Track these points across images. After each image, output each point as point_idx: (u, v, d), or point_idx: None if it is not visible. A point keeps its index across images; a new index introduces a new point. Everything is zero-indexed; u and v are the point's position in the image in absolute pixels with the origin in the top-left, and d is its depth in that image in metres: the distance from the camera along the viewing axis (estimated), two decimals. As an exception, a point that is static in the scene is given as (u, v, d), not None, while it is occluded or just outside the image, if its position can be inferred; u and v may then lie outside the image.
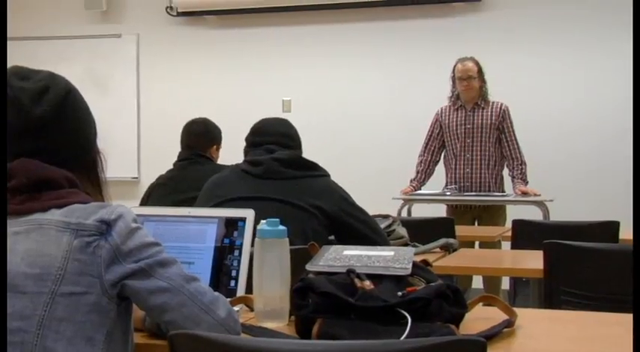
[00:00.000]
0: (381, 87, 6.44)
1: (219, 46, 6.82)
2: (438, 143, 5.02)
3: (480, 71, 4.91)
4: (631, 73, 5.74)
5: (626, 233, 3.50)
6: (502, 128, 4.86)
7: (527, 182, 4.84)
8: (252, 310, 1.68)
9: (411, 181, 5.05)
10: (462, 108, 4.93)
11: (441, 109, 5.03)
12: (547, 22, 6.05)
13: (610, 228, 3.48)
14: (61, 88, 1.37)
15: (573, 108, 6.00)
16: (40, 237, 1.26)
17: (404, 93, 6.37)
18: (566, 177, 5.90)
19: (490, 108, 4.89)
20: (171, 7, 6.85)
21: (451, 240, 3.05)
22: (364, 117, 6.45)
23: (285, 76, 6.66)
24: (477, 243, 4.49)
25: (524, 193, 4.75)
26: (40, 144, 1.32)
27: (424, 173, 5.03)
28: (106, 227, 1.27)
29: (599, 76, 5.97)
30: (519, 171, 4.83)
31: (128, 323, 1.34)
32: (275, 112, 6.09)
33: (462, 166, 4.91)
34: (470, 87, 4.87)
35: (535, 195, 4.74)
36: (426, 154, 5.03)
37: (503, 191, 4.93)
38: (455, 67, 4.95)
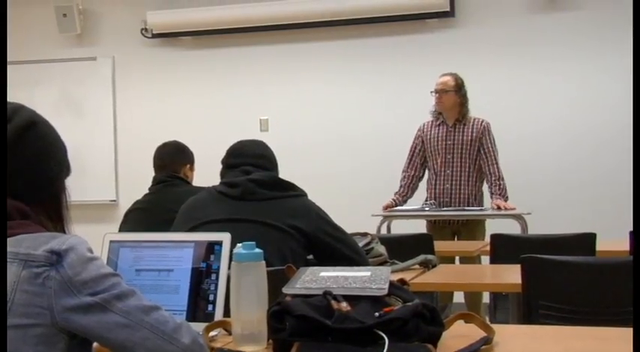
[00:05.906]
0: (357, 104, 6.46)
1: (195, 66, 6.82)
2: (420, 159, 5.03)
3: (459, 87, 4.91)
4: (604, 86, 5.86)
5: (602, 245, 3.54)
6: (482, 144, 4.88)
7: (505, 197, 4.84)
8: (230, 334, 1.67)
9: (394, 194, 5.04)
10: (444, 124, 4.95)
11: (424, 124, 5.05)
12: (518, 36, 6.11)
13: (586, 241, 3.50)
14: (22, 121, 1.34)
15: (550, 122, 6.04)
16: None
17: (381, 110, 6.40)
18: (545, 191, 5.94)
19: (471, 124, 4.91)
20: (146, 29, 6.85)
21: (430, 257, 3.05)
22: (342, 135, 6.46)
23: (262, 95, 6.67)
24: (457, 258, 4.50)
25: (499, 208, 4.76)
26: None
27: (407, 187, 5.03)
28: (56, 257, 1.23)
29: (574, 90, 6.01)
30: (497, 187, 4.83)
31: None
32: (253, 131, 6.14)
33: (442, 182, 4.91)
34: (441, 100, 4.90)
35: (507, 209, 4.73)
36: (409, 170, 5.04)
37: (482, 206, 4.95)
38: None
